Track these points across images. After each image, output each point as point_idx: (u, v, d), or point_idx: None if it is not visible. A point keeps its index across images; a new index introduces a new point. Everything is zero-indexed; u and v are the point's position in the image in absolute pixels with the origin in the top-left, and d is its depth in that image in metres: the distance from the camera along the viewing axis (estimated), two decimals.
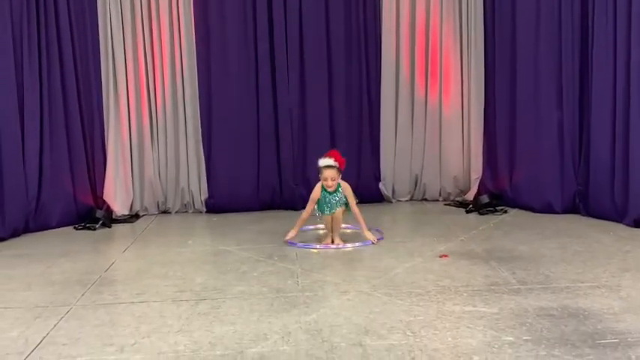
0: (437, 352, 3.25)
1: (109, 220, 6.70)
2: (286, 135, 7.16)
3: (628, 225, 5.76)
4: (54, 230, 6.46)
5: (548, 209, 6.50)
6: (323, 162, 5.48)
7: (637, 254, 4.93)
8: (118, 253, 5.55)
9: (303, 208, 5.80)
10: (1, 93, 6.06)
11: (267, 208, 7.20)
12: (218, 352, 3.33)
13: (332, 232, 5.58)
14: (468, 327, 3.57)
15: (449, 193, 7.49)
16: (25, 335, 3.66)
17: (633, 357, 3.13)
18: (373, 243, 5.48)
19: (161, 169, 7.25)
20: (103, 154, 7.00)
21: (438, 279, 4.46)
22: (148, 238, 6.13)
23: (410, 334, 3.49)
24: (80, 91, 6.74)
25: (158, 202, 7.27)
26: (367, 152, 7.36)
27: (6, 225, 6.05)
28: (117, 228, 6.62)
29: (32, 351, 3.44)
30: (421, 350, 3.27)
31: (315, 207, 5.58)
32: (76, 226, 6.56)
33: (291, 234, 5.61)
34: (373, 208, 6.92)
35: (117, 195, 7.02)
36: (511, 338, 3.39)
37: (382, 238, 5.64)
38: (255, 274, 4.73)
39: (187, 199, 7.27)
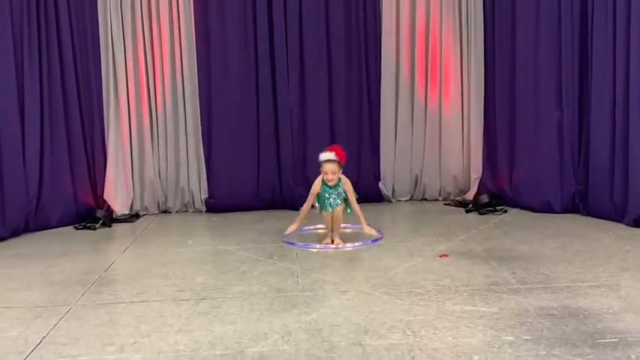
0: (437, 351, 3.25)
1: (109, 219, 6.71)
2: (286, 135, 7.17)
3: (628, 225, 5.76)
4: (54, 230, 6.46)
5: (547, 209, 6.50)
6: (324, 156, 5.49)
7: (637, 254, 4.94)
8: (118, 252, 5.55)
9: None
10: (2, 93, 6.08)
11: (267, 207, 7.20)
12: (218, 352, 3.33)
13: (332, 231, 5.59)
14: (468, 326, 3.57)
15: (449, 193, 7.49)
16: (24, 335, 3.67)
17: (633, 356, 3.14)
18: (380, 238, 5.52)
19: (161, 168, 7.25)
20: (103, 153, 7.00)
21: (438, 278, 4.46)
22: (148, 237, 6.13)
23: (410, 333, 3.49)
24: (80, 91, 6.76)
25: (158, 202, 7.27)
26: (367, 152, 7.37)
27: (6, 224, 6.05)
28: (117, 228, 6.62)
29: (32, 351, 3.44)
30: (421, 350, 3.27)
31: (315, 201, 5.59)
32: (76, 225, 6.56)
33: (292, 228, 5.63)
34: (373, 208, 6.92)
35: (117, 195, 7.02)
36: (511, 338, 3.39)
37: (382, 238, 5.64)
38: (255, 273, 4.73)
39: (187, 198, 7.27)
